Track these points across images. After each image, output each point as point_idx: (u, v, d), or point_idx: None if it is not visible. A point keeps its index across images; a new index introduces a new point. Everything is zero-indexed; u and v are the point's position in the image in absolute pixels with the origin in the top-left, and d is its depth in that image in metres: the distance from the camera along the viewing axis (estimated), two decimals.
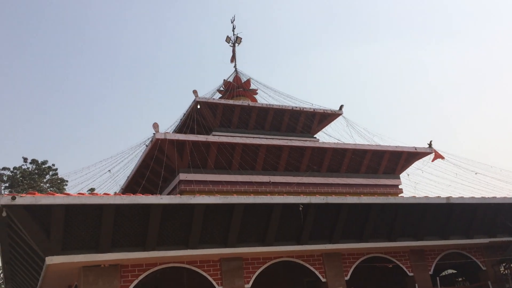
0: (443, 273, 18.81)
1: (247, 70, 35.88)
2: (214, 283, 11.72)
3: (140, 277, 11.03)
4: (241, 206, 11.26)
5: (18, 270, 14.07)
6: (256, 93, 22.43)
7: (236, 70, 22.74)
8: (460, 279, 18.74)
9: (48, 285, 12.59)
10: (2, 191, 9.49)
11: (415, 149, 19.43)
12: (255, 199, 11.48)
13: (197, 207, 10.83)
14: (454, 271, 18.90)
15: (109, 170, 14.88)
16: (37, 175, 36.45)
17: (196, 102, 18.63)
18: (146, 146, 16.34)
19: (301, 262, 12.92)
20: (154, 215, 10.41)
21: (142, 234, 10.62)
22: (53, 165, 38.07)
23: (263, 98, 21.84)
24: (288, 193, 16.38)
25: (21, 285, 15.98)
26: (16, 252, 12.02)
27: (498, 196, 14.92)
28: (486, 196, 14.69)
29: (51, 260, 9.83)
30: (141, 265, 11.12)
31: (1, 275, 23.57)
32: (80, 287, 10.53)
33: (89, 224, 10.10)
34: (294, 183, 17.61)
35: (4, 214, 9.28)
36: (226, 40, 23.59)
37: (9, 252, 12.39)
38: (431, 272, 14.43)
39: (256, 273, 12.25)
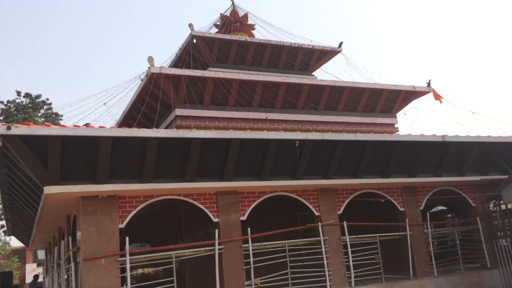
0: (434, 210, 19.36)
1: (244, 4, 34.74)
2: (210, 215, 11.97)
3: (138, 208, 11.22)
4: (238, 141, 11.27)
5: (16, 200, 14.29)
6: (254, 29, 21.91)
7: (233, 3, 22.02)
8: (449, 215, 19.37)
9: (48, 214, 12.84)
10: None
11: (414, 88, 19.34)
12: (252, 135, 11.47)
13: (193, 141, 10.83)
14: (444, 208, 19.49)
15: (105, 103, 14.75)
16: (31, 109, 36.19)
17: (192, 36, 18.21)
18: (142, 80, 16.11)
19: (296, 197, 13.15)
20: (151, 148, 10.42)
21: (139, 167, 10.69)
22: (47, 99, 37.82)
23: (261, 34, 21.39)
24: (285, 130, 16.41)
25: (20, 214, 16.31)
26: (14, 182, 12.12)
27: (493, 135, 14.99)
28: (482, 135, 14.75)
29: (49, 189, 9.93)
30: (139, 197, 11.28)
31: (0, 205, 23.99)
32: (79, 217, 10.74)
33: (86, 156, 10.11)
34: (290, 120, 17.62)
35: (0, 143, 9.25)
36: None
37: (7, 182, 12.50)
38: (421, 208, 14.80)
39: (251, 207, 12.49)
